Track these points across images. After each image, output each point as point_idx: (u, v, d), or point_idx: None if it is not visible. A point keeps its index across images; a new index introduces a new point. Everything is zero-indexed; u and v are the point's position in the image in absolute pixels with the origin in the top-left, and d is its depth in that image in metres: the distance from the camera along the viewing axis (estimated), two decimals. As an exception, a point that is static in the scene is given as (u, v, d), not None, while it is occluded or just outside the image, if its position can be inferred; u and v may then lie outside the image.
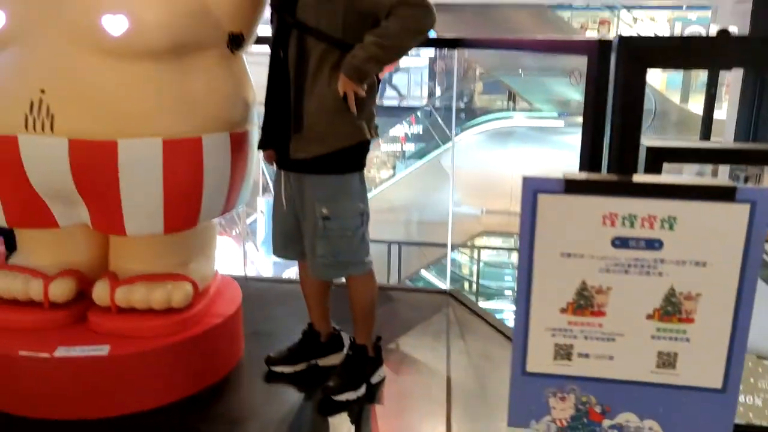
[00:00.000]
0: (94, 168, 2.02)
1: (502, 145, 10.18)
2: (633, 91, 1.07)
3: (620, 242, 0.93)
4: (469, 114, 11.68)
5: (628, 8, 12.28)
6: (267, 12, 2.25)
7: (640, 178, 0.95)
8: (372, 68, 2.01)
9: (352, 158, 2.15)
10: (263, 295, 3.15)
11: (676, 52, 1.16)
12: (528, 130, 10.46)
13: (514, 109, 11.55)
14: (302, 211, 2.21)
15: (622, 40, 1.07)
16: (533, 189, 0.93)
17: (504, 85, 11.85)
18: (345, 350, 2.45)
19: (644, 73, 1.08)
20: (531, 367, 0.99)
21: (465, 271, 11.60)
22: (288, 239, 2.31)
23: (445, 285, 3.85)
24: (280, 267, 9.12)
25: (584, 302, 0.95)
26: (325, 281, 2.38)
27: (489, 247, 11.37)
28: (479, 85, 12.57)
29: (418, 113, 12.50)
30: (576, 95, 11.00)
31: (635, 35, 0.98)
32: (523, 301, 0.96)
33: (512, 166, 9.82)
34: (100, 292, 2.21)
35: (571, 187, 0.92)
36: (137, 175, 2.05)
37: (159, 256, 2.29)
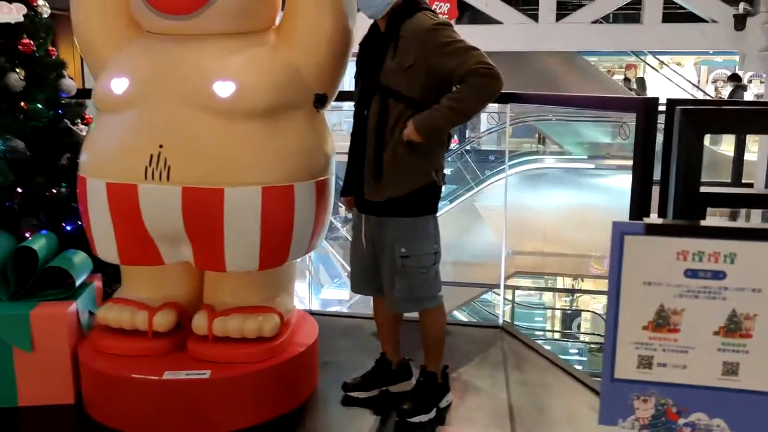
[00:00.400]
0: (203, 212, 2.31)
1: (533, 187, 10.40)
2: (693, 153, 1.32)
3: (691, 273, 1.17)
4: (500, 156, 11.94)
5: (654, 53, 12.55)
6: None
7: (705, 222, 1.20)
8: (442, 126, 2.29)
9: (425, 203, 2.42)
10: (326, 329, 3.39)
11: (732, 120, 1.40)
12: (559, 172, 10.69)
13: (544, 152, 11.81)
14: (382, 250, 2.47)
15: (684, 111, 1.32)
16: (620, 231, 1.18)
17: (534, 128, 12.13)
18: (413, 378, 2.68)
19: (702, 137, 1.33)
20: (619, 374, 1.23)
21: (497, 312, 11.72)
22: (366, 276, 2.57)
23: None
24: (325, 303, 9.37)
25: (662, 321, 1.19)
26: (397, 315, 2.63)
27: (529, 288, 11.51)
28: (509, 129, 12.86)
29: (450, 156, 12.81)
30: (606, 139, 11.24)
31: (696, 107, 1.18)
32: (612, 320, 1.21)
33: (544, 207, 10.02)
34: (199, 323, 2.48)
35: (650, 229, 1.17)
36: (239, 218, 2.33)
37: (250, 291, 2.55)
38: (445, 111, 2.24)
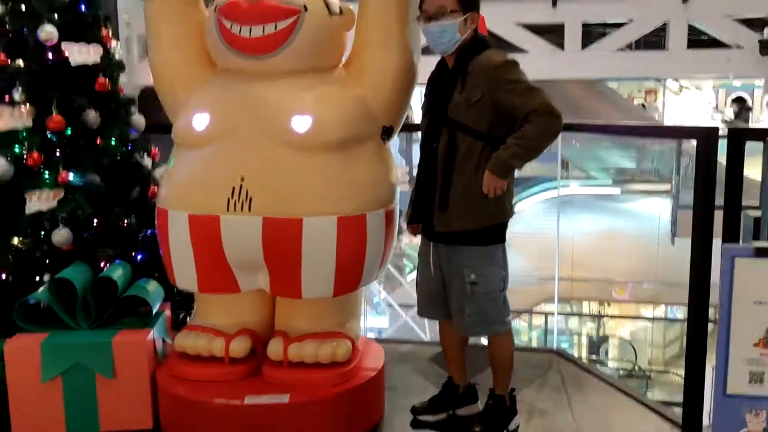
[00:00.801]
0: (282, 241, 2.41)
1: (559, 213, 10.47)
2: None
3: (799, 292, 1.25)
4: (524, 183, 12.02)
5: (675, 78, 12.66)
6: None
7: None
8: (514, 165, 2.37)
9: (495, 233, 2.50)
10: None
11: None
12: (586, 198, 10.76)
13: (567, 178, 11.88)
14: (450, 276, 2.55)
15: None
16: (731, 255, 1.26)
17: (556, 154, 12.22)
18: (479, 402, 2.74)
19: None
20: (731, 389, 1.30)
21: (524, 339, 11.70)
22: (433, 301, 2.65)
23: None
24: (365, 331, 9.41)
25: (772, 338, 1.27)
26: (463, 339, 2.70)
27: (574, 314, 11.51)
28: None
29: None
30: (630, 164, 11.32)
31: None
32: (724, 338, 1.28)
33: (570, 232, 10.05)
34: (275, 348, 2.57)
35: (760, 252, 1.25)
36: (316, 247, 2.43)
37: (323, 317, 2.64)
38: (515, 150, 2.33)
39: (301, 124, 2.41)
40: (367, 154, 2.56)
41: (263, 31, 2.41)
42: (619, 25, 8.44)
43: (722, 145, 2.43)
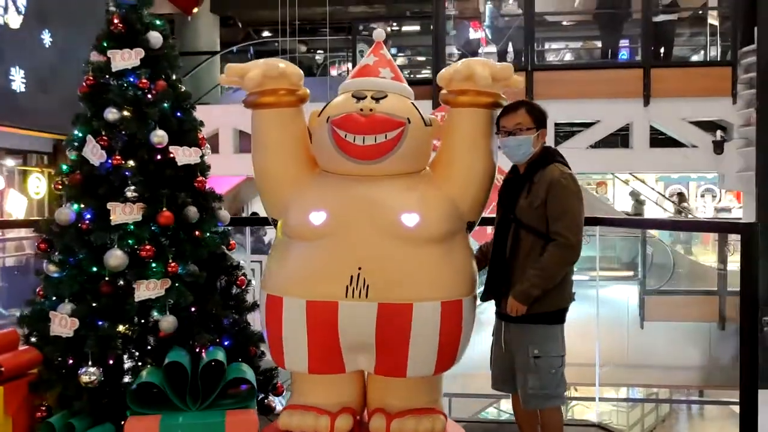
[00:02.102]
0: (394, 325, 2.70)
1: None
2: None
3: None
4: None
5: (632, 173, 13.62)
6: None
7: None
8: (534, 293, 2.76)
9: (557, 316, 2.87)
10: None
11: None
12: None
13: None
14: (516, 351, 2.87)
15: None
16: None
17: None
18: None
19: None
20: None
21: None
22: (505, 375, 2.96)
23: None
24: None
25: None
26: (534, 412, 3.00)
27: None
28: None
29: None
30: (591, 252, 11.92)
31: None
32: None
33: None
34: (378, 425, 2.80)
35: None
36: (423, 329, 2.72)
37: (419, 394, 2.89)
38: (534, 281, 2.74)
39: (410, 220, 2.74)
40: (459, 245, 2.90)
41: (375, 141, 2.78)
42: (588, 125, 9.23)
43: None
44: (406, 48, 12.14)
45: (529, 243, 2.80)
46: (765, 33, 8.64)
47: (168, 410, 2.83)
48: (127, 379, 3.04)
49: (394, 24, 12.48)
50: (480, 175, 2.96)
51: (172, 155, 3.13)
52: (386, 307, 2.69)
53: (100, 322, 2.96)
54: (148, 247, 2.97)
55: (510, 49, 9.50)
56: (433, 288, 2.75)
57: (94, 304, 2.99)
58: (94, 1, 9.11)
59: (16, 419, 2.85)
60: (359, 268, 2.69)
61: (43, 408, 2.92)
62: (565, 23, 10.37)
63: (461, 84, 2.85)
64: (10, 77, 7.42)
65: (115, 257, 2.93)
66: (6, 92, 7.39)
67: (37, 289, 3.11)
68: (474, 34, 9.45)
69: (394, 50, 11.77)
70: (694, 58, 10.47)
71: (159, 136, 3.09)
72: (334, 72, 17.68)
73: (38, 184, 9.21)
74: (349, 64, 15.30)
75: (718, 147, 8.93)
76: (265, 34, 17.11)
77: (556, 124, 9.03)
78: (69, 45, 8.42)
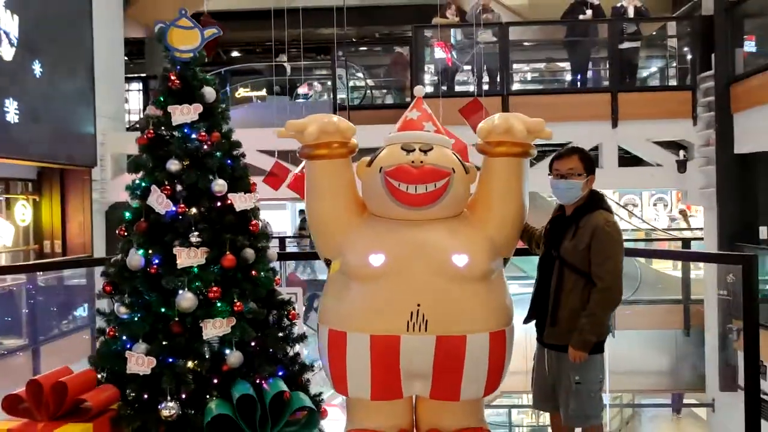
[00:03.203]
0: (450, 355, 3.02)
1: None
2: None
3: None
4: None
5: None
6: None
7: None
8: (591, 340, 3.10)
9: (596, 346, 3.21)
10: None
11: None
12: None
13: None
14: (559, 376, 3.22)
15: None
16: None
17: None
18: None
19: None
20: None
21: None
22: (545, 396, 3.31)
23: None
24: None
25: None
26: (571, 429, 3.35)
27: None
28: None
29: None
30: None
31: None
32: None
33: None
34: (434, 445, 3.11)
35: None
36: (475, 358, 3.05)
37: (468, 415, 3.22)
38: (587, 328, 3.09)
39: (460, 260, 3.07)
40: (498, 280, 3.25)
41: (426, 189, 3.10)
42: (561, 146, 9.72)
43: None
44: (378, 68, 12.50)
45: (572, 281, 3.15)
46: (721, 60, 9.33)
47: (241, 439, 3.08)
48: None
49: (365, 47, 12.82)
50: (514, 217, 3.31)
51: (229, 202, 3.40)
52: (443, 339, 3.01)
53: (171, 360, 3.19)
54: (215, 288, 3.23)
55: (486, 77, 9.95)
56: (483, 321, 3.09)
57: (164, 343, 3.22)
58: (80, 31, 9.28)
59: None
60: (418, 305, 3.01)
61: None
62: (533, 49, 10.90)
63: (500, 136, 3.20)
64: (5, 109, 7.49)
65: (187, 299, 3.17)
66: (1, 124, 7.45)
67: (107, 330, 3.32)
68: (440, 53, 9.84)
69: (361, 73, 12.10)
70: (655, 83, 11.13)
71: (220, 185, 3.35)
72: (302, 90, 17.96)
73: (24, 211, 9.22)
74: (317, 83, 15.61)
75: (682, 165, 9.54)
76: (235, 54, 17.30)
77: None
78: (58, 75, 8.52)
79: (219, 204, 3.39)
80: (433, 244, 3.10)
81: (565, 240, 3.21)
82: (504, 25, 9.62)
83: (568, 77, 10.63)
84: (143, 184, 3.40)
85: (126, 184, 3.58)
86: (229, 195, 3.40)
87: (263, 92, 15.57)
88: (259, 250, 3.52)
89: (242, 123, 10.85)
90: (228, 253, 3.30)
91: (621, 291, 3.14)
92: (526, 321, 3.35)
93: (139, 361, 3.13)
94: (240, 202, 3.43)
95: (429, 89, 10.16)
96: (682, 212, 15.35)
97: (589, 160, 3.31)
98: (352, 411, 3.30)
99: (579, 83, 10.07)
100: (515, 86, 9.54)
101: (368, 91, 11.78)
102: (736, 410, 5.46)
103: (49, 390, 2.98)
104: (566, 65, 11.34)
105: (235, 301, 3.27)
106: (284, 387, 3.25)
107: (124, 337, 3.28)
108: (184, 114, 3.39)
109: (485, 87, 10.11)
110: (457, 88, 10.23)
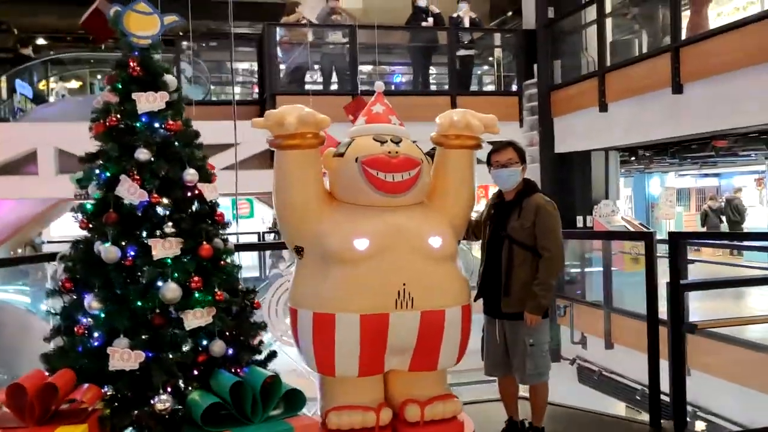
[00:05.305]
0: (432, 328, 3.31)
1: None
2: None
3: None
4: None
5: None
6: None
7: None
8: (544, 303, 3.60)
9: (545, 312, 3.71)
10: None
11: None
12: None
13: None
14: (514, 342, 3.67)
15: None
16: None
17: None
18: (527, 433, 3.85)
19: None
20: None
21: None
22: (498, 362, 3.74)
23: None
24: None
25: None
26: (515, 387, 3.81)
27: None
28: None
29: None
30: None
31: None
32: None
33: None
34: (413, 412, 3.37)
35: None
36: (451, 330, 3.37)
37: (438, 384, 3.52)
38: (540, 293, 3.57)
39: (435, 242, 3.37)
40: (456, 260, 3.60)
41: (402, 177, 3.36)
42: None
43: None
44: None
45: (521, 255, 3.59)
46: (542, 70, 10.55)
47: (235, 426, 3.11)
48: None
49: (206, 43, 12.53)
50: (468, 202, 3.69)
51: (198, 192, 3.37)
52: (427, 314, 3.29)
53: (152, 353, 3.11)
54: (196, 278, 3.20)
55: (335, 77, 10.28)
56: (456, 296, 3.42)
57: (144, 336, 3.13)
58: None
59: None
60: (404, 284, 3.26)
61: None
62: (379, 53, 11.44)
63: (460, 130, 3.56)
64: None
65: (171, 290, 3.12)
66: None
67: (76, 328, 3.14)
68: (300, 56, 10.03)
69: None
70: (488, 88, 12.24)
71: (191, 174, 3.32)
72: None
73: None
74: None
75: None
76: (40, 41, 15.82)
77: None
78: None
79: (189, 194, 3.36)
80: (411, 228, 3.37)
81: (510, 221, 3.65)
82: (353, 27, 10.00)
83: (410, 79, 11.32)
84: (107, 174, 3.25)
85: (72, 175, 3.40)
86: (199, 185, 3.38)
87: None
88: (225, 241, 3.53)
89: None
90: (204, 243, 3.28)
91: (564, 258, 3.65)
92: (476, 298, 3.73)
93: (125, 357, 3.02)
94: (209, 192, 3.42)
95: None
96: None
97: (521, 151, 3.80)
98: (332, 390, 3.44)
99: (421, 86, 10.78)
100: (363, 87, 9.93)
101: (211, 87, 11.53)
102: (560, 378, 6.33)
103: (35, 393, 2.77)
104: (402, 68, 12.07)
105: (216, 290, 3.27)
106: (266, 373, 3.32)
107: (96, 334, 3.13)
108: (150, 102, 3.31)
109: (333, 87, 10.46)
110: (307, 87, 10.45)
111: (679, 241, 3.93)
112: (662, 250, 4.64)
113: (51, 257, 5.81)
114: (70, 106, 11.19)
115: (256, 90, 11.48)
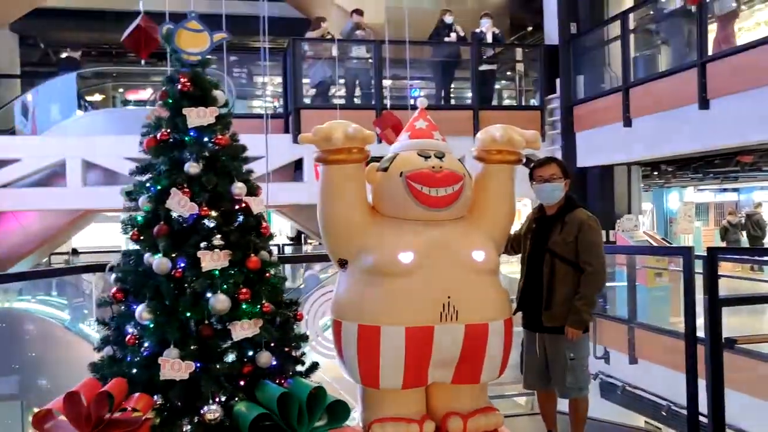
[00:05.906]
0: (476, 341, 3.33)
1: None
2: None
3: None
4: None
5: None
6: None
7: None
8: (587, 318, 3.67)
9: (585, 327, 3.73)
10: None
11: None
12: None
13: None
14: (554, 356, 3.69)
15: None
16: None
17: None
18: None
19: None
20: None
21: None
22: (538, 376, 3.76)
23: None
24: None
25: None
26: (555, 401, 3.82)
27: None
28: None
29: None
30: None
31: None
32: None
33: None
34: (456, 425, 3.40)
35: None
36: (494, 343, 3.39)
37: (480, 397, 3.54)
38: (582, 308, 3.64)
39: (479, 256, 3.40)
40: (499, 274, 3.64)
41: (446, 192, 3.40)
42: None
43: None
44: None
45: (563, 270, 3.63)
46: (565, 85, 10.59)
47: (282, 437, 3.14)
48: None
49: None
50: (508, 217, 3.72)
51: (244, 205, 3.43)
52: (471, 327, 3.32)
53: (201, 364, 3.16)
54: (244, 290, 3.25)
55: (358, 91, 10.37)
56: (500, 309, 3.45)
57: (192, 347, 3.18)
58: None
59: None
60: (449, 297, 3.29)
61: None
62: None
63: (502, 146, 3.60)
64: None
65: (221, 301, 3.17)
66: None
67: (127, 338, 3.19)
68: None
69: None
70: (508, 102, 12.30)
71: (239, 187, 3.38)
72: (132, 96, 17.14)
73: None
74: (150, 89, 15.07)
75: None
76: (64, 55, 16.06)
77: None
78: None
79: (236, 207, 3.42)
80: (455, 242, 3.41)
81: (552, 235, 3.69)
82: (378, 43, 10.10)
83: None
84: (157, 187, 3.32)
85: (122, 188, 3.48)
86: (245, 198, 3.43)
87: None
88: (270, 253, 3.58)
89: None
90: (252, 255, 3.34)
91: (606, 274, 3.67)
92: (515, 312, 3.76)
93: (175, 367, 3.06)
94: (255, 205, 3.47)
95: (306, 100, 10.38)
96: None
97: (564, 167, 3.83)
98: (375, 401, 3.47)
99: (443, 100, 10.84)
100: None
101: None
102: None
103: (91, 401, 2.83)
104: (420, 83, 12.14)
105: (263, 302, 3.31)
106: (310, 384, 3.35)
107: (146, 343, 3.18)
108: (200, 117, 3.37)
109: (356, 101, 10.55)
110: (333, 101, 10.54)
111: (716, 256, 3.93)
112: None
113: (88, 269, 5.93)
114: (98, 118, 11.33)
115: (278, 103, 11.59)
